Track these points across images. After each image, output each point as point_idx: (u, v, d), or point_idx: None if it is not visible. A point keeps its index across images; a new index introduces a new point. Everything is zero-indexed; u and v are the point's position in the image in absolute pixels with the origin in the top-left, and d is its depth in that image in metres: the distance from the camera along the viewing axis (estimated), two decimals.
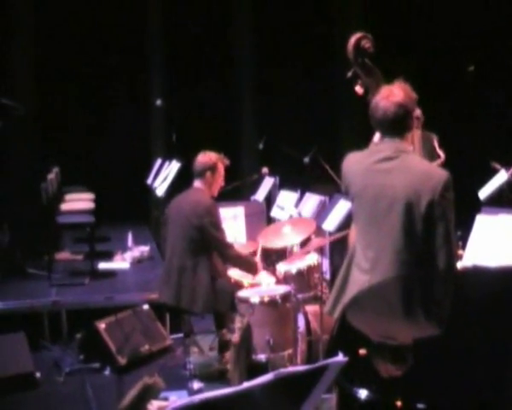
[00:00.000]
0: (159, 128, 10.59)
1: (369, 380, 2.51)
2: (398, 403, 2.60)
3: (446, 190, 3.17)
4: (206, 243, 5.42)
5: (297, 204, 7.22)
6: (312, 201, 7.05)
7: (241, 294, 5.24)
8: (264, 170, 7.33)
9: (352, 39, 3.64)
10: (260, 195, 8.18)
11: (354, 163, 3.43)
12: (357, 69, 3.65)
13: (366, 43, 3.62)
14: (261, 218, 6.66)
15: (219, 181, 5.68)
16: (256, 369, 5.07)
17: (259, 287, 5.39)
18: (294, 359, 5.15)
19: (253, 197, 8.24)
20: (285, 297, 5.09)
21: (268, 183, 8.13)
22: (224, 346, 5.76)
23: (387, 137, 3.34)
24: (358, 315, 3.27)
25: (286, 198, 7.37)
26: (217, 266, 5.54)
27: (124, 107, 10.87)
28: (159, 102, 8.30)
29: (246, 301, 5.10)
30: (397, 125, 3.29)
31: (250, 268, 5.60)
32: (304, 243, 6.08)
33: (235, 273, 5.64)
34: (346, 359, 2.05)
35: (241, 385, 1.88)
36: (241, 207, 6.47)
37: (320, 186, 7.96)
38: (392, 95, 3.28)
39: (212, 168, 5.58)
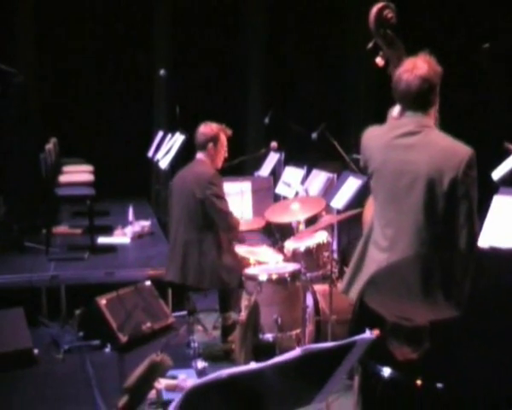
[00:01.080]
0: (161, 100, 10.59)
1: (392, 358, 2.53)
2: (418, 382, 2.63)
3: (470, 167, 3.17)
4: (211, 216, 5.43)
5: (303, 181, 7.23)
6: (320, 178, 7.06)
7: (249, 271, 5.25)
8: (273, 144, 7.32)
9: (374, 9, 3.62)
10: (265, 170, 8.19)
11: (374, 138, 3.42)
12: (378, 40, 3.63)
13: (388, 13, 3.60)
14: (268, 194, 6.67)
15: (222, 152, 5.66)
16: (263, 349, 5.11)
17: (267, 264, 5.40)
18: (302, 339, 5.18)
19: (256, 173, 8.24)
20: (294, 275, 5.11)
21: (273, 158, 8.13)
22: (227, 329, 5.78)
23: (410, 112, 3.32)
24: (374, 295, 3.28)
25: (292, 175, 7.37)
26: (223, 242, 5.54)
27: (125, 78, 10.83)
28: (162, 72, 8.27)
29: (254, 278, 5.11)
30: (420, 100, 3.28)
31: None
32: (310, 222, 6.11)
33: (241, 250, 5.65)
34: (373, 336, 2.07)
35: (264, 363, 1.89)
36: (248, 182, 6.46)
37: (326, 163, 7.97)
38: (416, 68, 3.26)
39: (214, 139, 5.57)
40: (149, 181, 10.66)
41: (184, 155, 7.15)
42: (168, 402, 3.61)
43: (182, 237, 5.49)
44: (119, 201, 9.55)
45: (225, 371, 1.77)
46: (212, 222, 5.45)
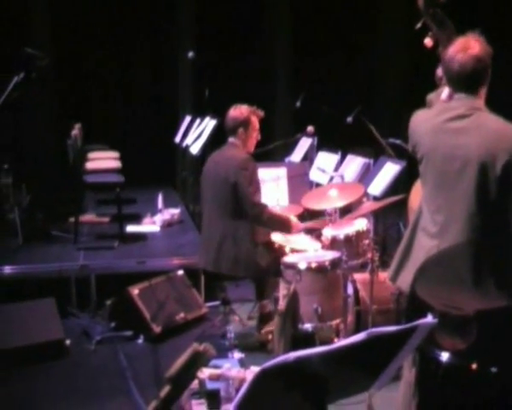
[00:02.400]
0: (187, 83, 10.67)
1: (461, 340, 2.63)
2: (473, 366, 2.71)
3: None
4: (242, 202, 5.47)
5: (337, 167, 7.29)
6: (355, 163, 7.12)
7: (288, 259, 5.32)
8: (310, 128, 7.37)
9: None
10: (296, 156, 8.22)
11: (423, 121, 3.48)
12: (427, 20, 3.69)
13: None
14: (304, 180, 6.73)
15: (254, 136, 5.70)
16: (302, 339, 5.20)
17: (306, 252, 5.48)
18: (343, 329, 5.27)
19: (287, 159, 8.29)
20: (334, 263, 5.18)
21: (305, 143, 8.16)
22: (264, 317, 5.87)
23: (461, 94, 3.37)
24: (423, 283, 3.34)
25: (325, 160, 7.43)
26: (259, 230, 5.62)
27: (149, 61, 10.94)
28: (190, 54, 8.36)
29: (293, 266, 5.18)
30: (473, 81, 3.32)
31: (284, 226, 5.65)
32: (345, 209, 6.18)
33: (278, 238, 5.72)
34: (435, 320, 2.15)
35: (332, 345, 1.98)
36: (284, 168, 6.52)
37: (360, 148, 8.04)
38: (469, 47, 3.30)
39: (245, 123, 5.61)
40: (175, 168, 10.76)
41: (215, 140, 7.24)
42: (212, 392, 3.70)
43: (215, 224, 5.56)
44: (144, 188, 9.68)
45: (292, 354, 1.87)
46: None
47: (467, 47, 3.33)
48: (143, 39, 11.02)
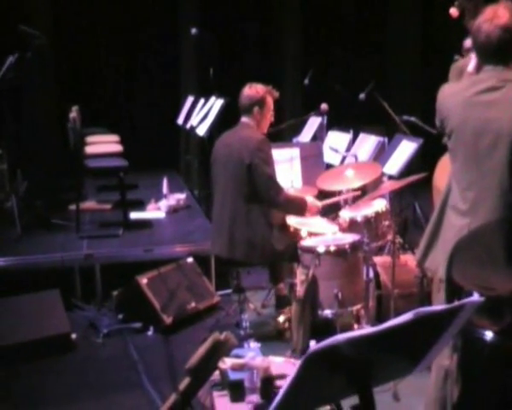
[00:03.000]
0: (190, 62, 10.67)
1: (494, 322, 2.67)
2: None
3: None
4: (258, 184, 5.50)
5: (349, 146, 7.31)
6: (369, 142, 7.14)
7: (305, 243, 5.35)
8: (323, 106, 7.38)
9: None
10: (305, 136, 8.23)
11: (451, 95, 3.50)
12: None
13: None
14: (318, 161, 6.72)
15: (268, 117, 5.75)
16: (322, 327, 5.24)
17: (323, 236, 5.51)
18: (366, 315, 5.31)
19: (295, 139, 8.31)
20: (355, 246, 5.21)
21: (314, 122, 8.17)
22: (281, 302, 5.93)
23: (490, 65, 3.40)
24: (454, 264, 3.37)
25: (336, 140, 7.45)
26: (274, 213, 5.65)
27: (150, 38, 10.94)
28: (194, 30, 8.37)
29: (311, 250, 5.21)
30: (501, 52, 3.34)
31: (301, 208, 5.69)
32: (360, 191, 6.22)
33: (293, 221, 5.75)
34: (481, 299, 2.19)
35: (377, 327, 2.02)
36: (297, 148, 6.54)
37: (371, 127, 8.07)
38: (496, 17, 3.32)
39: (260, 103, 5.65)
40: (178, 151, 10.78)
41: (222, 121, 7.27)
42: (235, 383, 3.73)
43: (229, 208, 5.59)
44: (146, 173, 9.71)
45: (342, 335, 1.91)
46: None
47: (494, 16, 3.35)
48: (144, 17, 10.99)
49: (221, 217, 5.68)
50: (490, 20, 3.35)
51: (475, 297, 2.19)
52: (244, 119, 5.70)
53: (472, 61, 3.57)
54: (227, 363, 3.86)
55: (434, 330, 2.16)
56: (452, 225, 3.48)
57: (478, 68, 3.52)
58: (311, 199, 5.78)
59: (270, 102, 5.71)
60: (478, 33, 3.39)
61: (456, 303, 2.16)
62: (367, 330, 1.97)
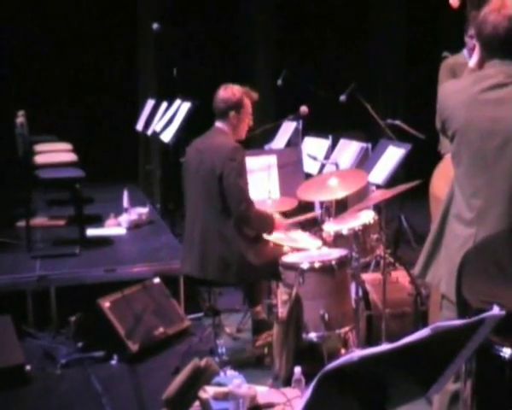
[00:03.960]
0: (150, 62, 10.66)
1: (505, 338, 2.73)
2: None
3: None
4: (228, 196, 5.51)
5: (327, 153, 7.38)
6: (351, 148, 7.21)
7: (287, 259, 5.39)
8: (303, 109, 7.43)
9: None
10: (279, 142, 8.24)
11: (454, 93, 3.55)
12: None
13: None
14: (298, 169, 6.77)
15: (247, 121, 5.77)
16: (307, 351, 5.28)
17: (307, 251, 5.55)
18: (353, 338, 5.36)
19: (267, 146, 8.34)
20: (342, 262, 5.24)
21: (289, 128, 8.22)
22: (258, 325, 5.95)
23: (496, 59, 3.44)
24: (461, 277, 3.41)
25: (314, 146, 7.50)
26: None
27: (104, 32, 10.91)
28: (156, 26, 8.39)
29: (294, 267, 5.24)
30: (509, 44, 3.38)
31: (269, 226, 5.71)
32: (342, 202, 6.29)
33: (273, 236, 5.76)
34: (502, 313, 2.25)
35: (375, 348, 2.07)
36: (273, 155, 6.57)
37: (351, 132, 8.15)
38: (504, 7, 3.36)
39: (237, 106, 5.68)
40: (137, 160, 10.77)
41: (191, 126, 7.30)
42: None
43: (200, 222, 5.60)
44: (102, 185, 9.71)
45: (356, 354, 1.96)
46: None
47: (502, 6, 3.38)
48: (97, 8, 10.97)
49: (192, 232, 5.69)
50: (497, 10, 3.38)
51: (496, 310, 2.24)
52: (218, 124, 5.73)
53: (474, 55, 3.62)
54: (209, 392, 3.88)
55: (452, 346, 2.22)
56: (456, 236, 3.52)
57: (481, 63, 3.57)
58: (277, 216, 5.84)
59: (247, 104, 5.74)
60: (484, 24, 3.42)
61: (476, 317, 2.21)
62: (382, 347, 2.02)
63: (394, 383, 2.18)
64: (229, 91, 5.70)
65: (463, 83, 3.60)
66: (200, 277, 5.64)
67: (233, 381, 3.81)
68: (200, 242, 5.60)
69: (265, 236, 5.74)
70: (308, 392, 1.88)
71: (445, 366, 2.28)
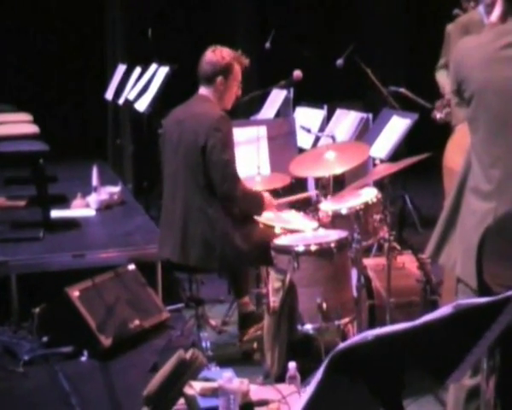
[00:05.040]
0: (119, 22, 10.61)
1: None
2: None
3: None
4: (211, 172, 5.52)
5: (322, 125, 7.39)
6: (349, 119, 7.22)
7: (280, 242, 5.40)
8: (297, 73, 7.37)
9: None
10: (267, 113, 8.21)
11: (472, 50, 3.56)
12: None
13: None
14: (291, 142, 6.76)
15: (235, 89, 5.79)
16: (302, 345, 5.32)
17: (302, 233, 5.57)
18: (356, 330, 5.39)
19: (253, 117, 8.33)
20: (342, 245, 5.26)
21: (278, 97, 8.20)
22: (246, 318, 5.97)
23: None
24: (479, 258, 3.43)
25: (307, 117, 7.52)
26: None
27: None
28: None
29: (287, 250, 5.25)
30: None
31: (258, 206, 5.74)
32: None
33: (263, 217, 5.75)
34: None
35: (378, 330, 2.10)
36: (263, 126, 6.57)
37: (347, 102, 8.17)
38: None
39: (225, 71, 5.68)
40: (106, 133, 10.74)
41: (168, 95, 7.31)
42: None
43: (181, 201, 5.61)
44: (65, 162, 9.69)
45: (371, 332, 1.99)
46: None
47: None
48: None
49: (172, 212, 5.69)
50: None
51: None
52: (203, 90, 5.73)
53: (496, 7, 3.64)
54: (195, 388, 3.91)
55: (475, 328, 2.25)
56: (473, 211, 3.54)
57: (503, 17, 3.59)
58: (267, 196, 5.87)
59: (237, 71, 5.76)
60: None
61: (501, 296, 2.25)
62: (399, 326, 2.05)
63: (411, 369, 2.22)
64: (217, 54, 5.71)
65: (483, 39, 3.61)
66: (181, 262, 5.64)
67: (223, 375, 3.83)
68: (180, 222, 5.60)
69: (255, 216, 5.74)
70: (317, 377, 1.91)
71: (467, 351, 2.31)
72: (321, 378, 1.91)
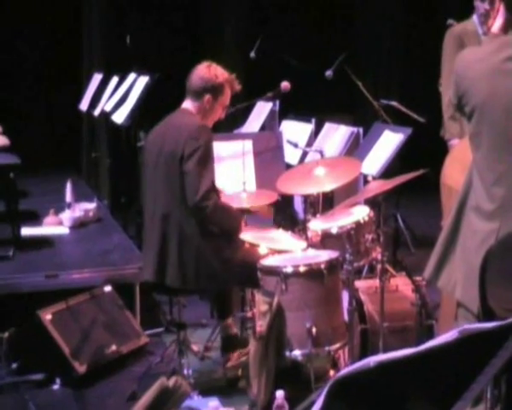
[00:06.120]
0: (95, 29, 10.61)
1: None
2: None
3: None
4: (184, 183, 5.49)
5: (310, 139, 7.40)
6: (339, 134, 7.24)
7: (267, 262, 5.40)
8: (285, 84, 7.40)
9: None
10: (251, 126, 8.22)
11: (475, 63, 3.59)
12: None
13: None
14: (278, 156, 6.77)
15: (219, 111, 5.82)
16: (291, 372, 5.31)
17: (290, 253, 5.57)
18: (348, 356, 5.39)
19: (237, 131, 8.34)
20: (333, 266, 5.26)
21: (263, 109, 8.20)
22: (229, 342, 5.98)
23: None
24: (483, 281, 3.44)
25: (293, 131, 7.52)
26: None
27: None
28: None
29: (275, 272, 5.25)
30: None
31: (231, 224, 5.71)
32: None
33: (246, 235, 5.77)
34: None
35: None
36: (248, 140, 6.56)
37: (336, 116, 8.19)
38: None
39: (216, 90, 5.70)
40: (80, 146, 10.74)
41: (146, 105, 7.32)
42: None
43: (160, 217, 5.60)
44: (38, 175, 9.66)
45: (373, 359, 1.99)
46: None
47: None
48: None
49: (151, 230, 5.69)
50: None
51: None
52: (187, 103, 5.75)
53: (498, 18, 3.67)
54: None
55: (481, 354, 2.25)
56: (475, 232, 3.56)
57: (505, 27, 3.62)
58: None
59: (227, 94, 5.79)
60: None
61: (508, 321, 2.25)
62: (402, 352, 2.05)
63: (413, 397, 2.22)
64: (212, 71, 5.73)
65: (485, 50, 3.64)
66: (158, 282, 5.63)
67: (208, 405, 3.83)
68: (158, 239, 5.60)
69: (237, 235, 5.73)
70: (318, 404, 1.91)
71: (472, 379, 2.31)
72: (322, 405, 1.91)
